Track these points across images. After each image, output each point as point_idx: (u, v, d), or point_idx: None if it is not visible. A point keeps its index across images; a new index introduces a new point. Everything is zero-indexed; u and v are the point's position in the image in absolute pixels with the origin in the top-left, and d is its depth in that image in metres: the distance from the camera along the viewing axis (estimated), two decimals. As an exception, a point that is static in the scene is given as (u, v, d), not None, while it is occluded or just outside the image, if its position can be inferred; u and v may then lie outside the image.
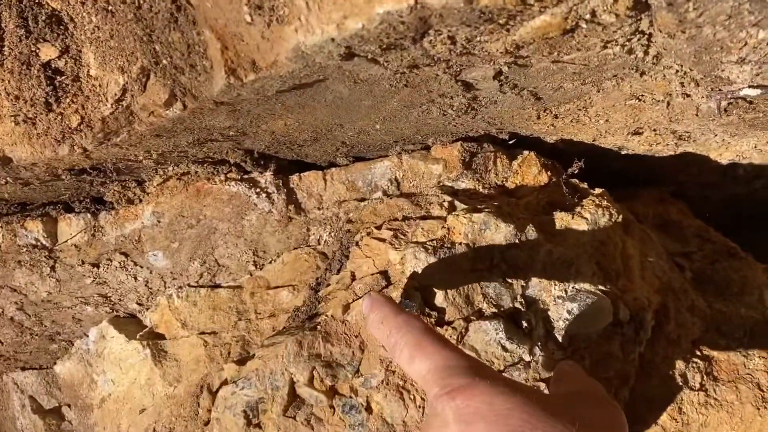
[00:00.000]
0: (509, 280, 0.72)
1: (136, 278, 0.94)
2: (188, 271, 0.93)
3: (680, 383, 0.80)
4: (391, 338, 0.56)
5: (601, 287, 0.72)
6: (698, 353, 0.81)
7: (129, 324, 0.99)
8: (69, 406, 1.06)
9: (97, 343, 1.00)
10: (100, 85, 0.69)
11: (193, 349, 0.88)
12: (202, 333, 0.89)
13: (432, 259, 0.70)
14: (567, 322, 0.71)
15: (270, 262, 0.92)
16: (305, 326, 0.70)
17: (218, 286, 0.94)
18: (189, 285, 0.95)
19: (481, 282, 0.71)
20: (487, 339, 0.69)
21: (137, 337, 0.94)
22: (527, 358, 0.69)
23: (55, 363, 1.07)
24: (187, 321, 0.91)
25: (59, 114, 0.71)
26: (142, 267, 0.93)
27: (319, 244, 0.88)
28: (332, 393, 0.68)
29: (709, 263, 0.88)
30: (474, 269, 0.71)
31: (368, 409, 0.67)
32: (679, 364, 0.80)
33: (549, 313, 0.72)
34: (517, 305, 0.71)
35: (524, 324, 0.70)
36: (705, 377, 0.81)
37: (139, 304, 0.99)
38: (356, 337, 0.69)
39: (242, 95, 0.60)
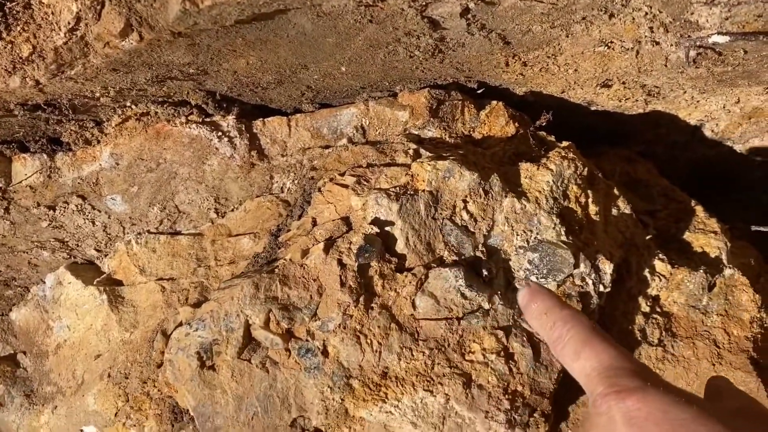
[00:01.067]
0: (471, 229, 0.71)
1: (93, 223, 0.92)
2: (148, 217, 0.91)
3: (639, 338, 0.81)
4: (555, 331, 0.53)
5: (563, 239, 0.72)
6: (658, 309, 0.82)
7: (87, 270, 0.97)
8: (24, 353, 1.04)
9: (54, 290, 0.98)
10: (52, 13, 0.66)
11: (150, 295, 0.86)
12: (160, 279, 0.87)
13: (394, 206, 0.69)
14: (528, 272, 0.71)
15: (232, 210, 0.90)
16: (263, 270, 0.69)
17: (178, 233, 0.92)
18: (148, 231, 0.92)
19: (443, 230, 0.70)
20: (446, 286, 0.68)
21: (94, 283, 0.92)
22: (486, 306, 0.68)
23: (10, 310, 1.05)
24: (146, 267, 0.89)
25: (9, 43, 0.68)
26: (100, 211, 0.91)
27: (282, 191, 0.86)
28: (288, 336, 0.67)
29: (674, 222, 0.88)
30: (436, 217, 0.70)
31: (324, 352, 0.66)
32: (639, 319, 0.80)
33: (510, 262, 0.71)
34: (479, 254, 0.71)
35: (485, 272, 0.70)
36: (664, 333, 0.81)
37: (98, 251, 0.96)
38: (314, 280, 0.68)
39: (200, 24, 0.58)
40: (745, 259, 0.88)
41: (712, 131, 0.97)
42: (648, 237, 0.81)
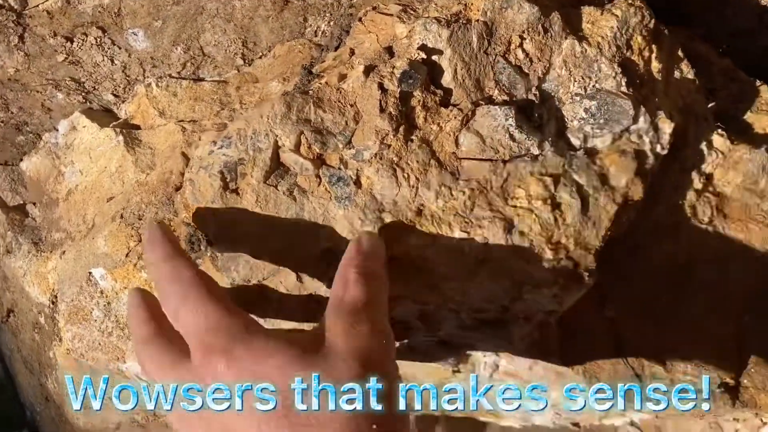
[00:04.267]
0: (525, 70, 0.65)
1: (113, 61, 0.86)
2: (170, 59, 0.85)
3: (689, 214, 0.75)
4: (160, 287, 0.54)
5: (623, 89, 0.66)
6: (711, 189, 0.76)
7: (103, 116, 0.92)
8: (34, 204, 1.00)
9: (67, 135, 0.93)
10: None
11: (169, 136, 0.81)
12: (181, 121, 0.82)
13: (444, 32, 0.63)
14: (583, 122, 0.65)
15: (260, 57, 0.84)
16: (296, 92, 0.63)
17: (201, 79, 0.86)
18: (170, 76, 0.87)
19: (495, 67, 0.64)
20: (495, 125, 0.62)
21: (111, 126, 0.87)
22: (535, 151, 0.63)
23: (21, 159, 1.00)
24: (166, 110, 0.84)
25: None
26: (120, 48, 0.85)
27: (316, 35, 0.80)
28: (320, 162, 0.61)
29: (733, 102, 0.82)
30: (489, 51, 0.64)
31: (357, 183, 0.61)
32: (690, 195, 0.75)
33: (564, 111, 0.65)
34: (531, 97, 0.65)
35: (536, 116, 0.64)
36: (715, 212, 0.76)
37: (115, 95, 0.91)
38: (351, 106, 0.62)
39: None
40: (809, 146, 0.82)
41: (783, 16, 0.89)
42: (710, 105, 0.74)
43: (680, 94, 0.73)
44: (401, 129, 0.61)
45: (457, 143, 0.62)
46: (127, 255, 0.78)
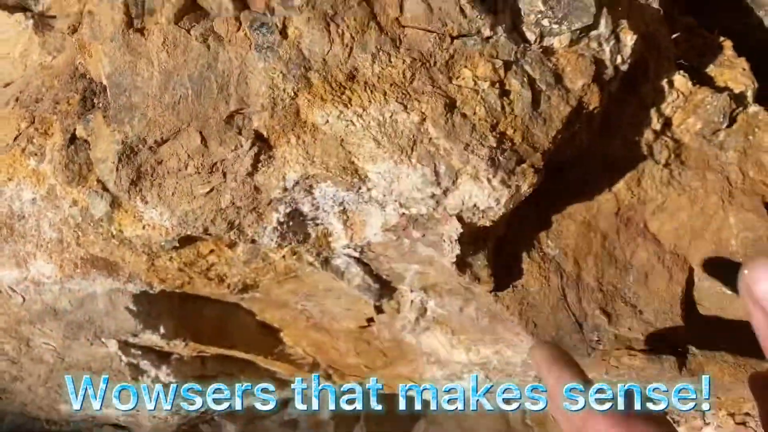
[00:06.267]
0: (482, -49, 0.59)
1: (35, -57, 0.78)
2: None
3: (645, 153, 0.70)
4: None
5: (585, -9, 0.60)
6: (668, 134, 0.71)
7: (17, 10, 0.83)
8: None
9: (-27, 30, 0.83)
10: None
11: (85, 19, 0.72)
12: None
13: None
14: (540, 15, 0.59)
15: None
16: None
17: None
18: (98, -32, 0.79)
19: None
20: (445, -6, 0.56)
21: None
22: (487, 32, 0.56)
23: None
24: (88, -2, 0.75)
25: None
26: (44, -73, 0.77)
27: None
28: (242, 4, 0.54)
29: (696, 55, 0.77)
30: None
31: (283, 32, 0.53)
32: (647, 134, 0.70)
33: (520, 3, 0.59)
34: (487, -19, 0.59)
35: (491, 0, 0.58)
36: (672, 156, 0.70)
37: (34, -10, 0.82)
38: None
39: None
40: (772, 106, 0.77)
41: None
42: (674, 36, 0.70)
43: (643, 20, 0.68)
44: (340, -19, 0.54)
45: (401, 9, 0.55)
46: (15, 139, 0.68)
